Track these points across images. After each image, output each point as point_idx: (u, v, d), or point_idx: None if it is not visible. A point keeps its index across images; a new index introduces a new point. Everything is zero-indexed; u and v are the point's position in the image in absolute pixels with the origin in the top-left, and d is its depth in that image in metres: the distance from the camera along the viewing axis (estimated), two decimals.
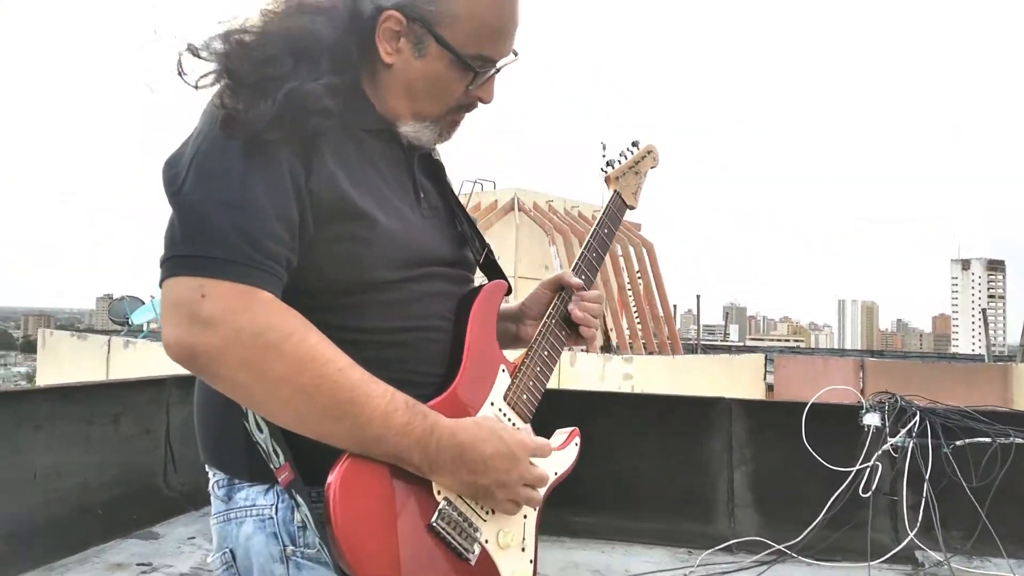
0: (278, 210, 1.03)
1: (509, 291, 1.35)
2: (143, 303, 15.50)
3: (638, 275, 20.34)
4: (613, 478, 4.69)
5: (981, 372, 12.19)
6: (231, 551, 1.16)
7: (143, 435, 4.78)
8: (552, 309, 1.39)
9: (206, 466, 1.22)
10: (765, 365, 11.72)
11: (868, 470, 4.43)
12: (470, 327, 1.22)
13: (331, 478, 1.00)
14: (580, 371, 10.90)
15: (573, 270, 1.44)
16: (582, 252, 1.47)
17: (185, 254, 0.99)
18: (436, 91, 1.21)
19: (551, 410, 1.36)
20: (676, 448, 4.93)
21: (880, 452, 4.47)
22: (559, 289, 1.42)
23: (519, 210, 18.37)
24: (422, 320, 1.19)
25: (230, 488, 1.17)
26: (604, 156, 1.66)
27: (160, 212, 1.08)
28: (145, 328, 15.69)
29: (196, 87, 1.10)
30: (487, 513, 1.15)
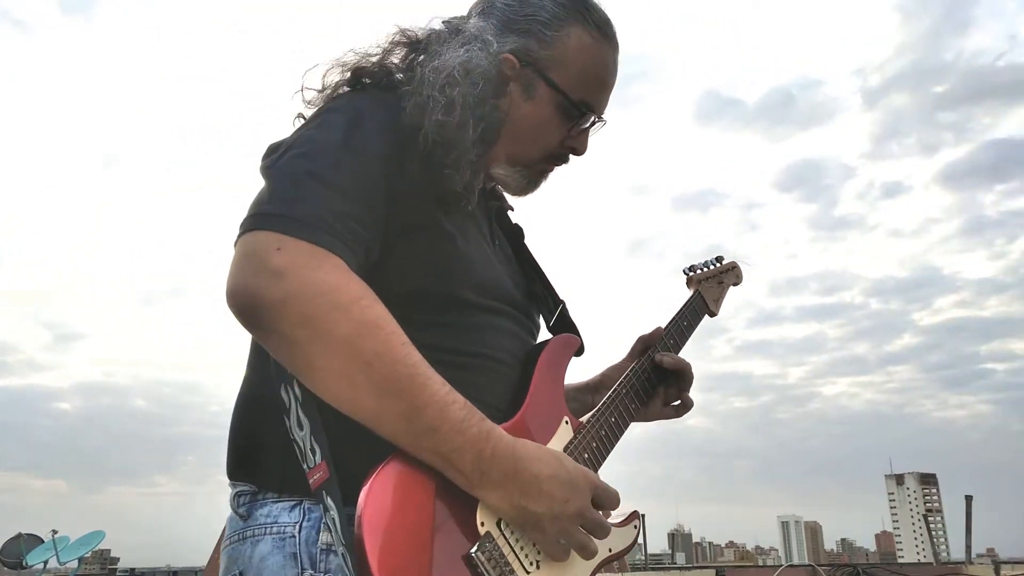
0: (364, 195, 1.03)
1: (582, 350, 1.28)
2: (42, 542, 14.16)
3: None
4: None
5: (933, 571, 11.89)
6: (240, 574, 1.01)
7: None
8: (629, 373, 1.32)
9: (230, 482, 1.09)
10: None
11: None
12: (537, 370, 1.16)
13: (368, 480, 0.89)
14: None
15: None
16: (667, 327, 1.45)
17: (268, 212, 0.97)
18: (538, 134, 1.25)
19: None
20: None
21: None
22: (642, 352, 1.39)
23: None
24: (491, 350, 1.14)
25: (252, 504, 1.04)
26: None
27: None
28: (42, 568, 14.23)
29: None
30: (532, 564, 1.00)
